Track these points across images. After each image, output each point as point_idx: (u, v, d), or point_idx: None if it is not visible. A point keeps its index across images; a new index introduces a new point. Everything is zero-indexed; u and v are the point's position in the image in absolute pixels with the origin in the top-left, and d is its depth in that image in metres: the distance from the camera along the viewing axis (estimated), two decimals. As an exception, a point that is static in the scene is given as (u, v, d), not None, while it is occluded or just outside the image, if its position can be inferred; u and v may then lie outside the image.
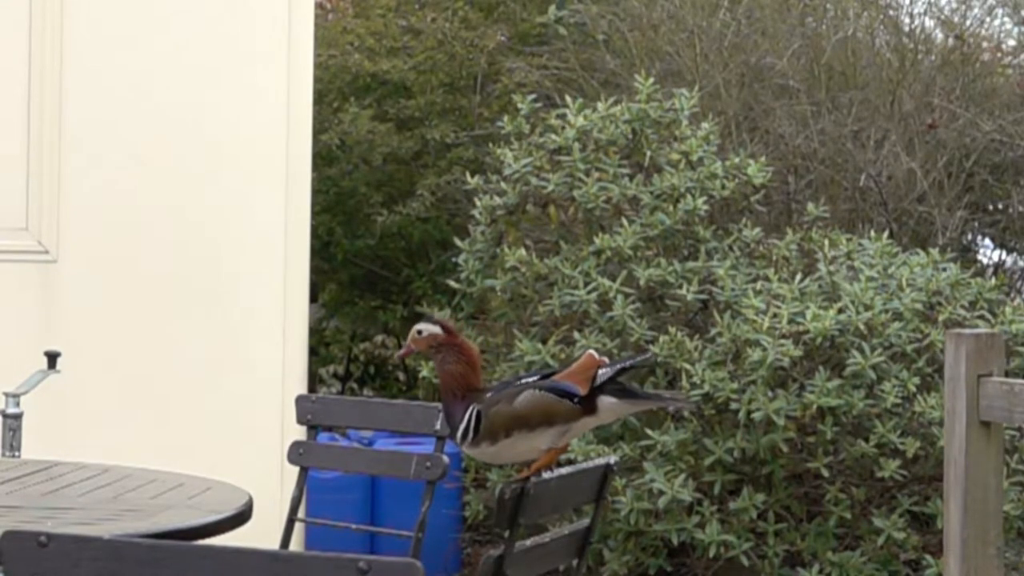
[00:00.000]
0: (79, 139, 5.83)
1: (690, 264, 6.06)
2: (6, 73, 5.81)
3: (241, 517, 3.46)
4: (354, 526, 5.43)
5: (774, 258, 6.16)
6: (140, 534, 3.11)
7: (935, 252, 6.14)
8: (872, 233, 6.36)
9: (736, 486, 5.80)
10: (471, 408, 3.17)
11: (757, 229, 6.26)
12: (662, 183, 6.20)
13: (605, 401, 3.18)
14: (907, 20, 7.94)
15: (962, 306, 5.88)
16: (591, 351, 3.24)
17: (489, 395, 3.19)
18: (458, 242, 6.52)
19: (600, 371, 3.16)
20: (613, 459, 3.52)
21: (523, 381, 3.23)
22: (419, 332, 3.26)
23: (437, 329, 3.25)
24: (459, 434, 3.18)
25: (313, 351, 7.59)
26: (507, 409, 3.16)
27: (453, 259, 6.79)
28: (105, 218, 5.84)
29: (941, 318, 5.83)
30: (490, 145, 6.78)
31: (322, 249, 7.98)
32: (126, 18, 5.87)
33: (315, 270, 7.10)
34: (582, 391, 3.16)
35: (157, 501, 3.57)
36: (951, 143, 7.30)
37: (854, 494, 5.83)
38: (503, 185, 6.37)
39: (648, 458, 5.73)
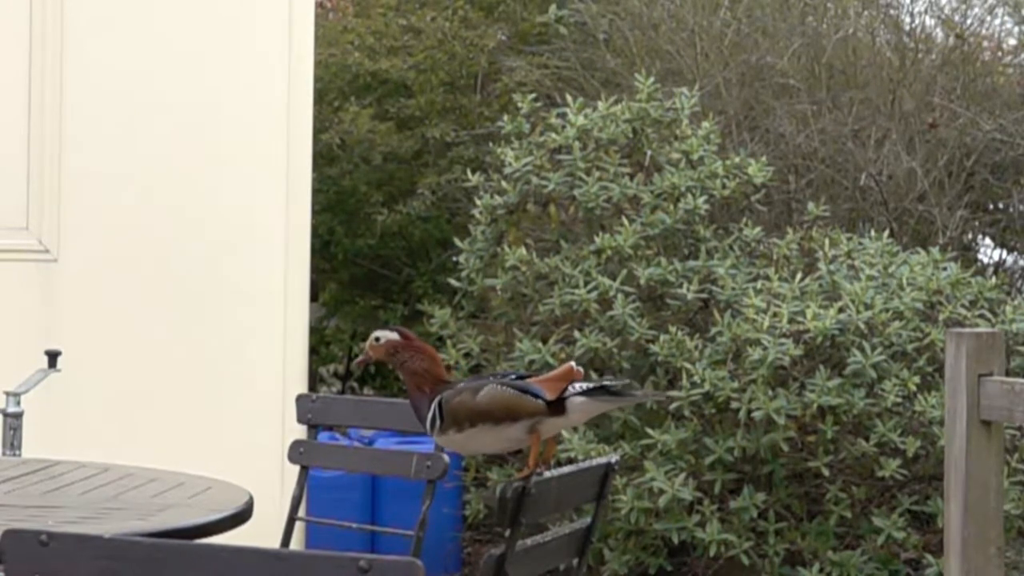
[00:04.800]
0: (79, 139, 5.83)
1: (690, 263, 6.06)
2: (6, 73, 5.81)
3: (241, 516, 3.46)
4: (355, 525, 5.43)
5: (774, 257, 6.16)
6: (140, 533, 3.11)
7: (935, 251, 6.14)
8: (872, 232, 6.36)
9: (736, 485, 5.80)
10: (437, 397, 3.18)
11: (757, 228, 6.26)
12: (662, 182, 6.20)
13: (574, 401, 3.17)
14: (908, 19, 7.94)
15: (963, 305, 5.87)
16: (571, 363, 3.24)
17: (460, 385, 3.21)
18: (458, 241, 6.52)
19: (573, 385, 3.16)
20: (614, 458, 3.52)
21: (491, 377, 3.24)
22: (377, 339, 3.29)
23: (395, 335, 3.28)
24: (427, 424, 3.20)
25: (313, 350, 7.59)
26: (470, 401, 3.17)
27: (453, 258, 6.79)
28: (105, 218, 5.84)
29: (941, 317, 5.83)
30: (491, 144, 6.78)
31: (322, 248, 7.98)
32: (126, 18, 5.87)
33: (315, 269, 7.10)
34: (549, 396, 3.15)
35: (157, 500, 3.57)
36: (952, 142, 7.29)
37: (854, 493, 5.83)
38: (503, 184, 6.37)
39: (649, 457, 5.72)
